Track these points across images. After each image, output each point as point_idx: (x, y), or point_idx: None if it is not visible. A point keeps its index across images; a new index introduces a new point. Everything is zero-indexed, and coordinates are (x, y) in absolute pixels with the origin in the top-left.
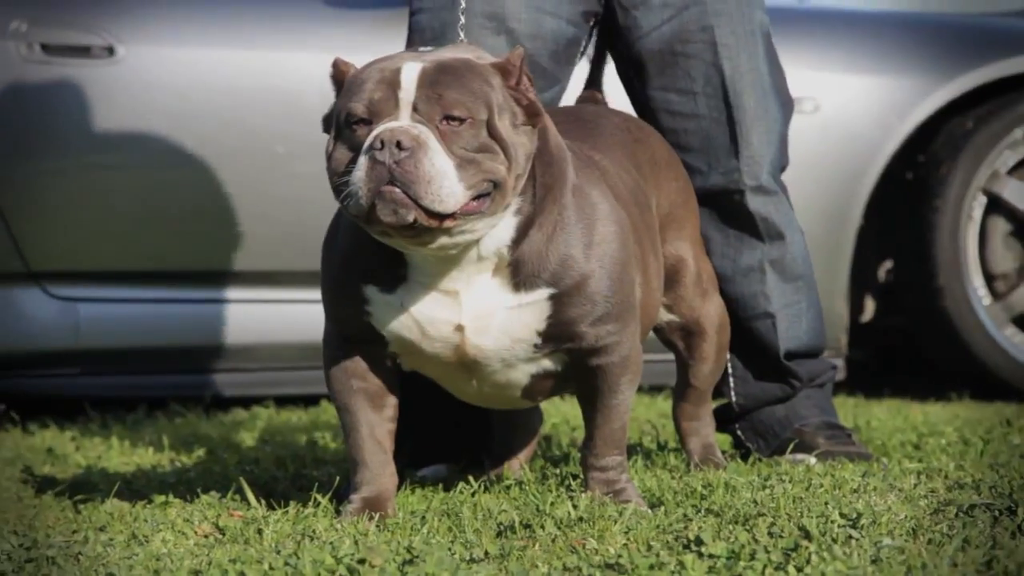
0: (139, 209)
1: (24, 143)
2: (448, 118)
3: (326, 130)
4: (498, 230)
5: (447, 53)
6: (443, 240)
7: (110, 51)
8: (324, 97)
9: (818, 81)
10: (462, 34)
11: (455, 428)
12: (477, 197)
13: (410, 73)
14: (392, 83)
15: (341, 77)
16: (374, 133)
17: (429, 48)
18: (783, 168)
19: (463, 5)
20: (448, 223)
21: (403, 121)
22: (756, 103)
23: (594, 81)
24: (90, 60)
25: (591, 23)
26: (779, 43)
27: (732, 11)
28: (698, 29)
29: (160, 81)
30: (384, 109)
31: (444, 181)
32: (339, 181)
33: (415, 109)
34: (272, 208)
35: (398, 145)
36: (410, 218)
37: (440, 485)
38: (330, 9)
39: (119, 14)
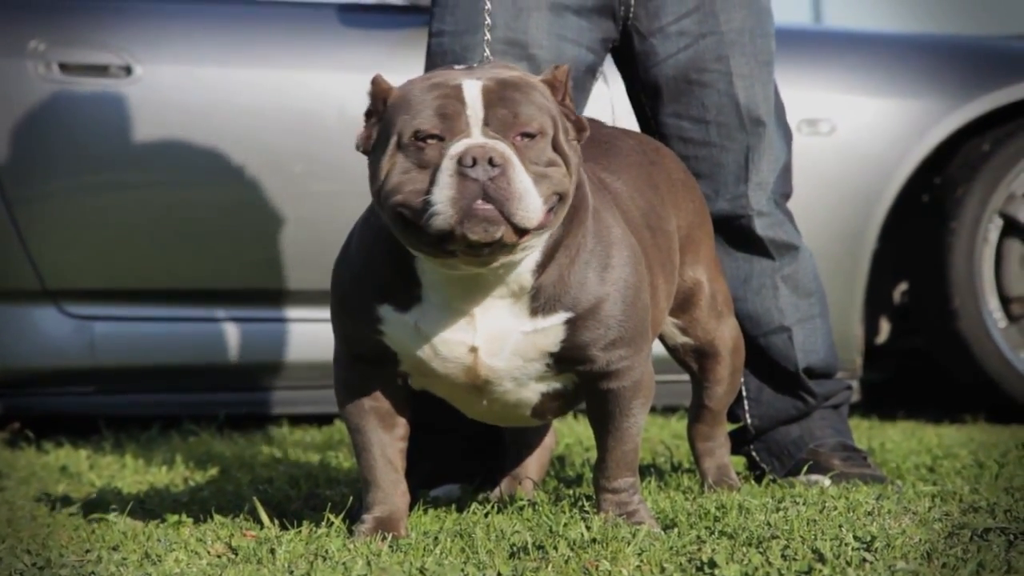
0: (155, 228)
1: (41, 161)
2: (522, 134)
3: (366, 150)
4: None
5: (496, 70)
6: (506, 258)
7: (127, 70)
8: (341, 116)
9: (834, 102)
10: (488, 52)
11: (466, 448)
12: (548, 210)
13: (472, 89)
14: (459, 99)
15: (383, 95)
16: (459, 149)
17: (464, 67)
18: (787, 196)
19: (487, 31)
20: (525, 238)
21: (480, 138)
22: (768, 132)
23: None
24: (107, 79)
25: (607, 50)
26: (796, 64)
27: (747, 41)
28: (714, 58)
29: (177, 100)
30: (456, 126)
31: (531, 198)
32: (416, 202)
33: (487, 125)
34: (288, 227)
35: (490, 162)
36: (499, 235)
37: (453, 505)
38: (347, 29)
39: (136, 33)
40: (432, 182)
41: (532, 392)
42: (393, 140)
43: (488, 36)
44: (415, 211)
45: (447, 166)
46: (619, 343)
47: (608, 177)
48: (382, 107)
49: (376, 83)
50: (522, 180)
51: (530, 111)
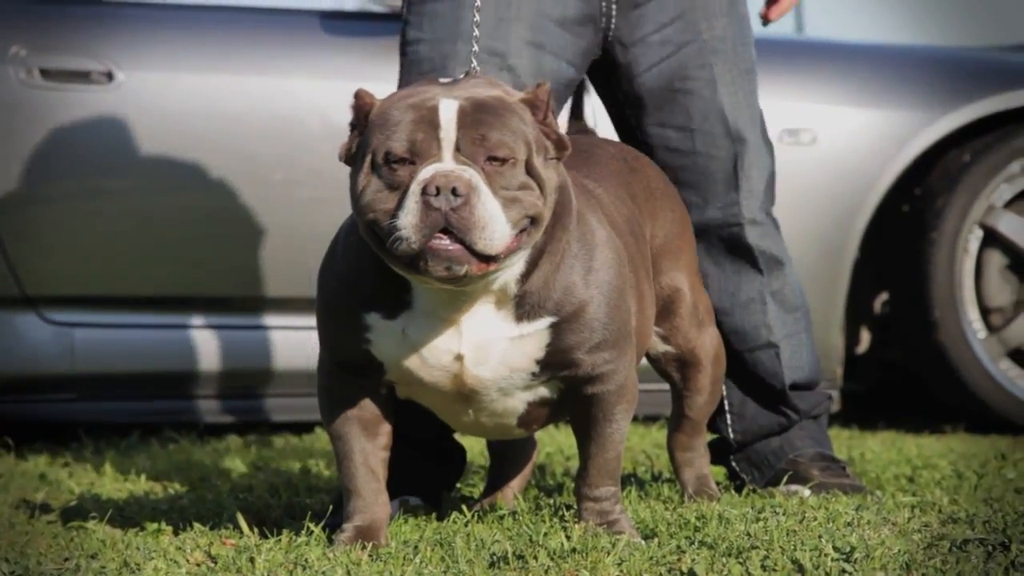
0: (135, 235)
1: (22, 168)
2: (492, 159)
3: (347, 162)
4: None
5: (476, 88)
6: (481, 280)
7: (109, 76)
8: (323, 123)
9: (815, 112)
10: (475, 63)
11: (424, 458)
12: (518, 233)
13: (448, 111)
14: (432, 122)
15: (366, 109)
16: (424, 176)
17: (449, 80)
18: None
19: (475, 43)
20: (493, 266)
21: (449, 163)
22: (755, 139)
23: (577, 112)
24: (89, 85)
25: (588, 64)
26: (777, 74)
27: (729, 49)
28: (697, 66)
29: (158, 106)
30: (427, 150)
31: (496, 225)
32: (384, 223)
33: (458, 149)
34: (269, 235)
35: (453, 192)
36: (463, 271)
37: (433, 515)
38: (328, 36)
39: (118, 40)
40: (399, 205)
41: (518, 401)
42: (368, 158)
43: (476, 47)
44: (384, 232)
45: (414, 190)
46: (603, 346)
47: (589, 184)
48: (363, 122)
49: (359, 97)
50: (486, 208)
51: (503, 136)
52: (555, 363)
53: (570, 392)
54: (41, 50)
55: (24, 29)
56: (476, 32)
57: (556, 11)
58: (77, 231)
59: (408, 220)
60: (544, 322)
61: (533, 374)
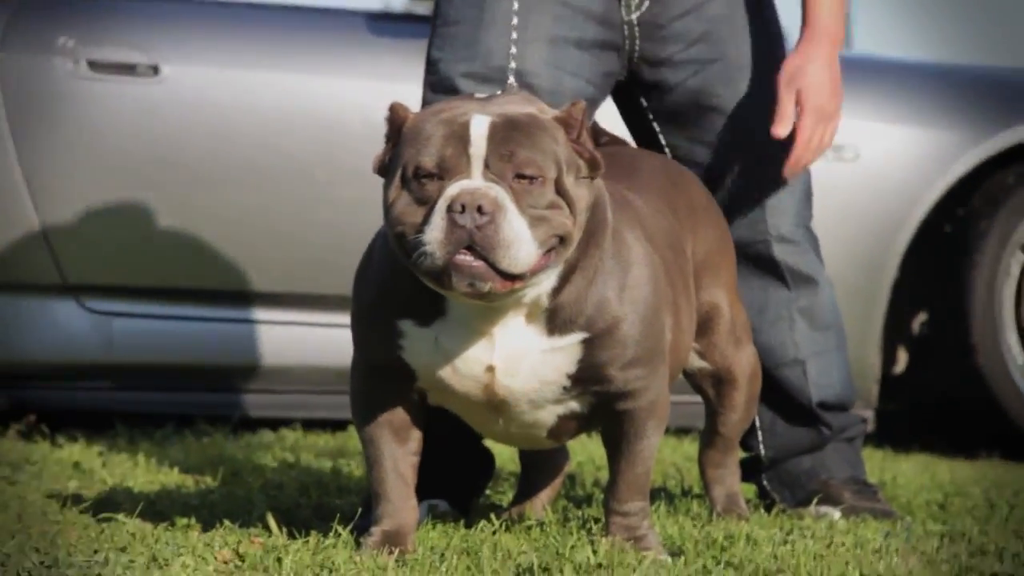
0: (176, 227)
1: (66, 157)
2: (520, 176)
3: (380, 173)
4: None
5: (511, 105)
6: (508, 297)
7: (155, 70)
8: (366, 124)
9: (859, 129)
10: (511, 79)
11: (452, 464)
12: (545, 252)
13: (479, 127)
14: (462, 138)
15: (399, 123)
16: (451, 193)
17: (485, 96)
18: (807, 220)
19: (512, 60)
20: (519, 284)
21: (477, 180)
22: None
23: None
24: (135, 78)
25: (611, 84)
26: None
27: (757, 66)
28: (723, 84)
29: (203, 101)
30: (456, 166)
31: (521, 245)
32: (411, 238)
33: (487, 166)
34: (309, 231)
35: (479, 210)
36: (486, 288)
37: (460, 522)
38: (375, 37)
39: (165, 33)
40: (426, 220)
41: (548, 414)
42: (399, 172)
43: (513, 64)
44: (411, 246)
45: (440, 207)
46: (636, 363)
47: (630, 195)
48: (397, 135)
49: (393, 110)
50: (512, 227)
51: (532, 154)
52: (587, 378)
53: (601, 407)
54: (89, 42)
55: (73, 20)
56: (513, 50)
57: (574, 33)
58: (119, 222)
59: (433, 236)
60: (576, 337)
61: (564, 388)
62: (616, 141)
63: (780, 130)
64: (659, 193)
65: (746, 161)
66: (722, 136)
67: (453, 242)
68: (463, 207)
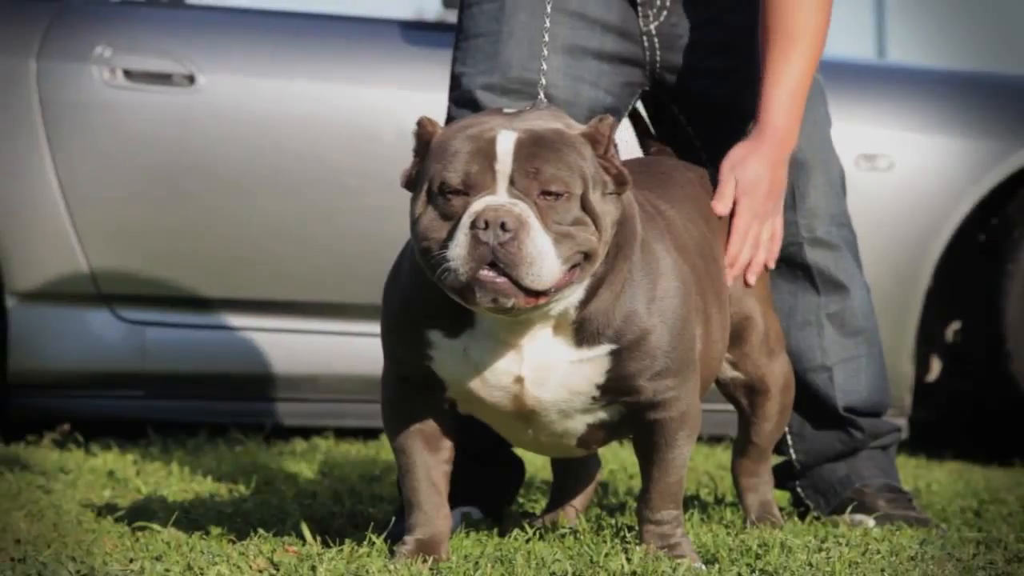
0: (210, 236)
1: (102, 166)
2: (545, 193)
3: (408, 187)
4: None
5: (538, 121)
6: (532, 312)
7: (190, 79)
8: (399, 133)
9: (894, 138)
10: (542, 94)
11: (483, 470)
12: (570, 268)
13: (505, 144)
14: (488, 154)
15: (427, 137)
16: (475, 209)
17: (513, 111)
18: (844, 218)
19: (542, 76)
20: (543, 300)
21: (502, 197)
22: (812, 155)
23: (647, 134)
24: (171, 87)
25: (634, 94)
26: (856, 99)
27: None
28: (749, 90)
29: (238, 110)
30: (481, 182)
31: (545, 261)
32: (435, 253)
33: (512, 182)
34: (342, 240)
35: (502, 227)
36: (509, 304)
37: (494, 530)
38: (409, 47)
39: (201, 43)
40: (450, 236)
41: (578, 423)
42: (425, 187)
43: (544, 80)
44: (435, 261)
45: (464, 223)
46: (666, 374)
47: (663, 205)
48: (424, 150)
49: (421, 125)
50: (535, 244)
51: (558, 171)
52: (616, 389)
53: (631, 417)
54: (125, 51)
55: (109, 29)
56: (544, 66)
57: (592, 44)
58: (153, 231)
59: (457, 252)
60: (604, 348)
61: (593, 398)
62: (663, 151)
63: (719, 207)
64: (692, 202)
65: None
66: None
67: (476, 258)
68: (486, 223)
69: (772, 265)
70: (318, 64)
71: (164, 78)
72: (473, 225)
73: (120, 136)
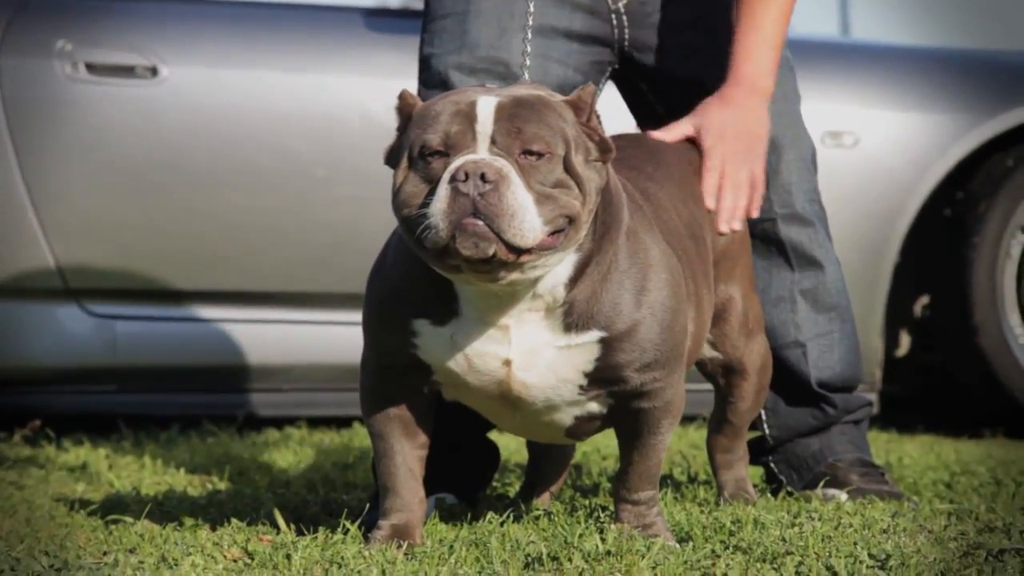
0: (177, 229)
1: (67, 160)
2: (527, 152)
3: (390, 163)
4: (559, 266)
5: (519, 89)
6: (515, 276)
7: (153, 71)
8: (365, 121)
9: (858, 115)
10: (526, 75)
11: (457, 457)
12: (553, 232)
13: (486, 107)
14: (469, 116)
15: (408, 109)
16: (456, 164)
17: (497, 85)
18: (816, 194)
19: (525, 58)
20: (525, 258)
21: (483, 154)
22: (783, 132)
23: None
24: (133, 80)
25: (603, 72)
26: (820, 76)
27: None
28: (718, 67)
29: (202, 102)
30: (461, 142)
31: (526, 215)
32: (415, 213)
33: (493, 142)
34: (310, 230)
35: (482, 177)
36: (491, 251)
37: (468, 514)
38: (372, 33)
39: (163, 35)
40: (431, 194)
41: (566, 415)
42: (406, 154)
43: (527, 61)
44: (415, 222)
45: (444, 179)
46: (654, 365)
47: (652, 186)
48: (406, 123)
49: (402, 98)
50: (516, 198)
51: (539, 130)
52: (604, 379)
53: (616, 405)
54: (87, 44)
55: (70, 23)
56: (528, 48)
57: (561, 23)
58: (120, 224)
59: (437, 207)
60: (593, 335)
61: (581, 387)
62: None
63: (666, 138)
64: (680, 182)
65: None
66: None
67: (456, 211)
68: (466, 175)
69: (755, 213)
70: (281, 53)
71: (127, 71)
72: (453, 179)
73: (84, 130)
